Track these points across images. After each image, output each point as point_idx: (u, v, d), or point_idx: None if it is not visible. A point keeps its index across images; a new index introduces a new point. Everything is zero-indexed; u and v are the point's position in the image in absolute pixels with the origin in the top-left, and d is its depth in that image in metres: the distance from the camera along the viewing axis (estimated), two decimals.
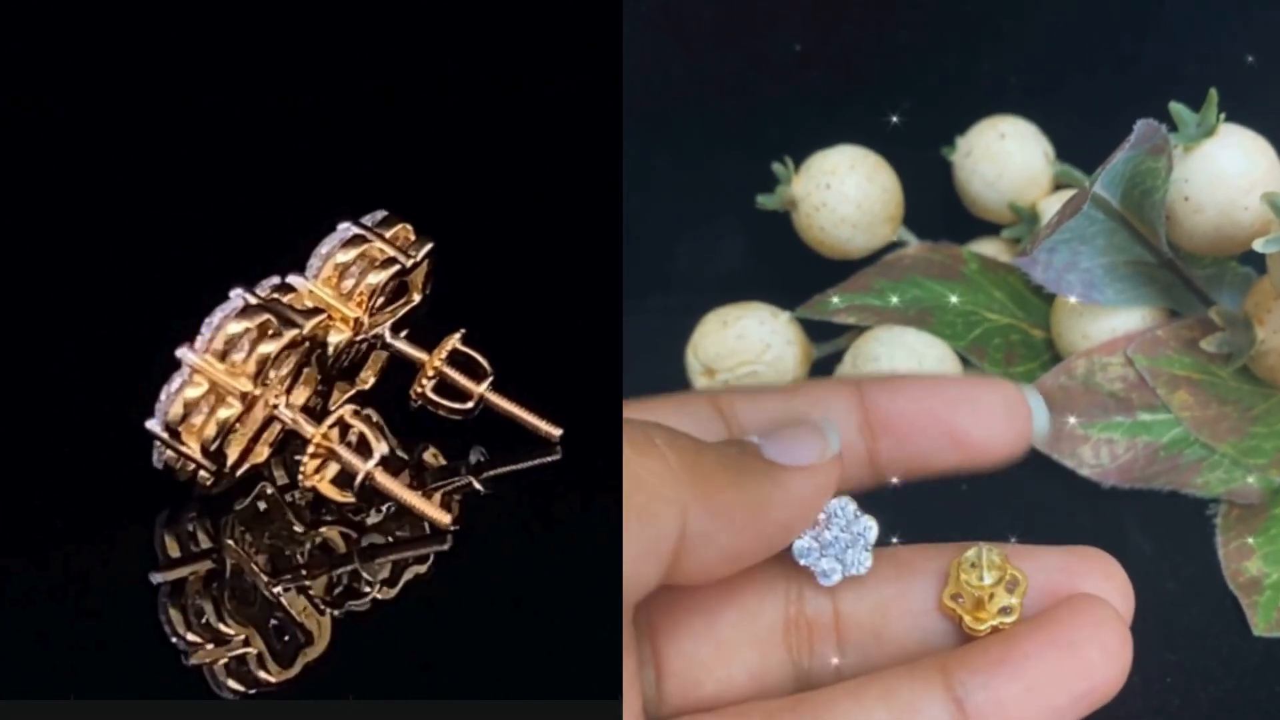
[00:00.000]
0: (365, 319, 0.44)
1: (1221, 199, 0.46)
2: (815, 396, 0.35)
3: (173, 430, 0.41)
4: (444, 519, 0.42)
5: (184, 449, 0.41)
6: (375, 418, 0.45)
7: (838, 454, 0.33)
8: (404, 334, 0.46)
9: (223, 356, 0.41)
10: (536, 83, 0.55)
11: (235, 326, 0.41)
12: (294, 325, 0.41)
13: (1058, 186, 0.53)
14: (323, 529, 0.43)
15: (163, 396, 0.41)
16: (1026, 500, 0.48)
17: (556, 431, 0.44)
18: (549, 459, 0.44)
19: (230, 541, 0.42)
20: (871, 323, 0.50)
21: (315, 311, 0.42)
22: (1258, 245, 0.43)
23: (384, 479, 0.42)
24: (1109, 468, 0.48)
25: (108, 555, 0.42)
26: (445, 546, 0.42)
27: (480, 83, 0.56)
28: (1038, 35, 0.55)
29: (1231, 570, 0.45)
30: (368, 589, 0.41)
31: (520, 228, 0.51)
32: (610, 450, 0.38)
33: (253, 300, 0.42)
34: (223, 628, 0.40)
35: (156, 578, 0.41)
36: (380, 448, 0.42)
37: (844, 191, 0.51)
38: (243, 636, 0.40)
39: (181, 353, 0.41)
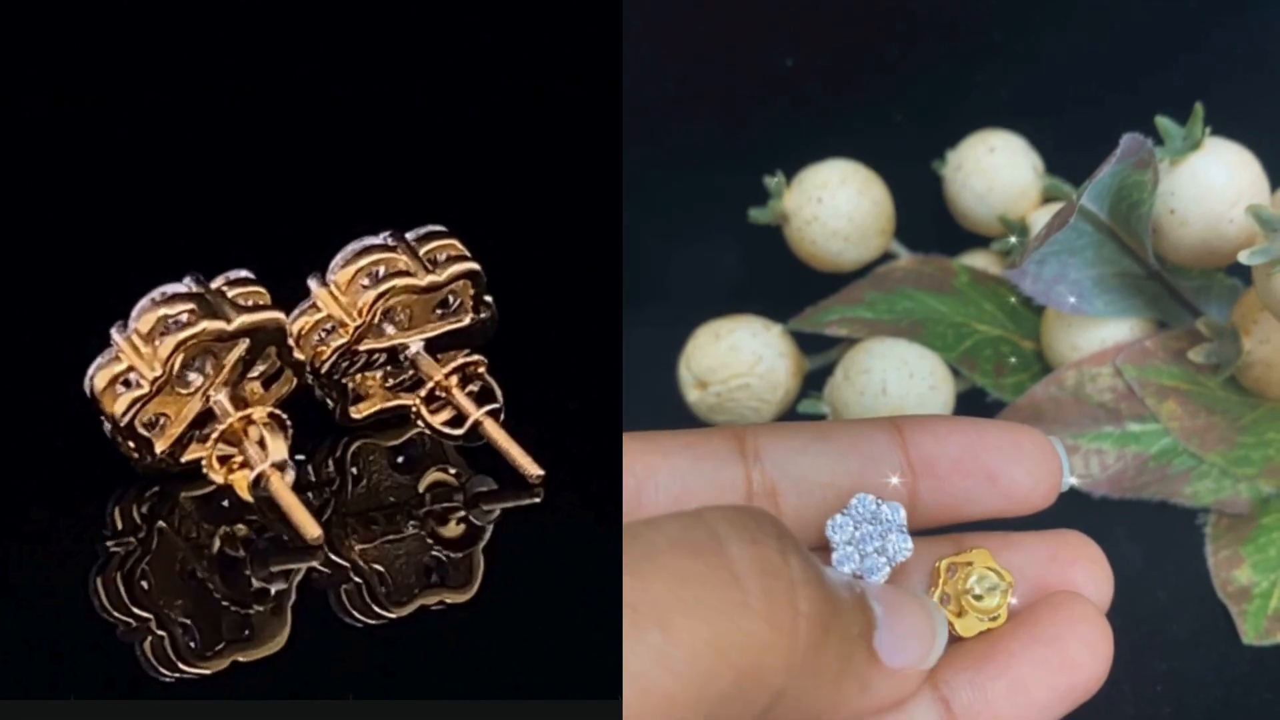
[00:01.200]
0: (364, 326, 0.44)
1: (1207, 212, 0.46)
2: (852, 438, 0.33)
3: (95, 401, 0.42)
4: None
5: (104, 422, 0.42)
6: (288, 422, 0.43)
7: (935, 662, 0.31)
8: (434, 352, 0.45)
9: (148, 339, 0.41)
10: (536, 96, 0.56)
11: (153, 312, 0.41)
12: (219, 318, 0.41)
13: (1047, 200, 0.53)
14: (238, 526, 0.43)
15: (91, 367, 0.42)
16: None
17: (537, 472, 0.43)
18: (530, 500, 0.43)
19: (163, 523, 0.42)
20: (863, 335, 0.50)
21: (260, 309, 0.42)
22: (1243, 257, 0.44)
23: (278, 484, 0.41)
24: (1099, 478, 0.48)
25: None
26: (314, 561, 0.41)
27: (479, 96, 0.56)
28: (1027, 51, 0.56)
29: (1221, 579, 0.46)
30: (266, 587, 0.41)
31: (519, 240, 0.51)
32: (609, 458, 0.39)
33: (187, 289, 0.42)
34: (136, 608, 0.40)
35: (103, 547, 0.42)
36: (276, 451, 0.42)
37: (836, 205, 0.52)
38: (150, 619, 0.40)
39: (113, 330, 0.42)
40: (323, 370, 0.44)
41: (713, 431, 0.33)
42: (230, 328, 0.41)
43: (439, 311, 0.45)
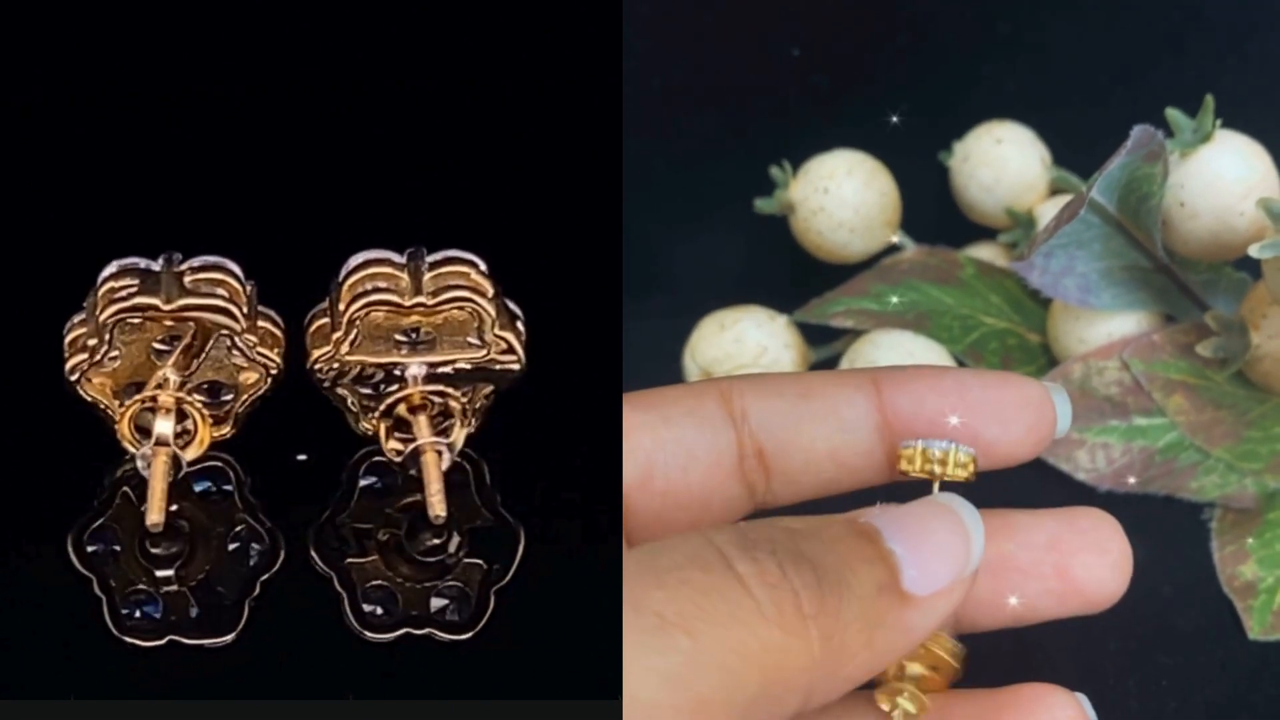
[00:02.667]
0: (343, 337, 0.43)
1: (1217, 204, 0.46)
2: (831, 395, 0.33)
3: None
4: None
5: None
6: (191, 409, 0.43)
7: (976, 570, 0.30)
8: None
9: (98, 307, 0.42)
10: (538, 86, 0.55)
11: (107, 284, 0.42)
12: (155, 296, 0.41)
13: (1054, 192, 0.53)
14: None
15: (67, 323, 0.43)
16: (1022, 504, 0.48)
17: (440, 512, 0.41)
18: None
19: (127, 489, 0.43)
20: (869, 326, 0.50)
21: (206, 296, 0.42)
22: (1253, 250, 0.43)
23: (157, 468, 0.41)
24: (1105, 472, 0.48)
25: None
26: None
27: (479, 86, 0.56)
28: (1035, 41, 0.56)
29: (1227, 574, 0.46)
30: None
31: (518, 230, 0.51)
32: (609, 451, 0.38)
33: (144, 266, 0.42)
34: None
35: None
36: (161, 430, 0.42)
37: (841, 196, 0.51)
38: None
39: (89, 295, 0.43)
40: (316, 374, 0.44)
41: (703, 392, 0.33)
42: (166, 307, 0.41)
43: (452, 340, 0.43)
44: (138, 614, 0.40)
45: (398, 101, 0.55)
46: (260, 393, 0.43)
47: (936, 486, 0.33)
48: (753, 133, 0.55)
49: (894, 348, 0.49)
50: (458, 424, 0.43)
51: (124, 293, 0.42)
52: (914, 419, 0.33)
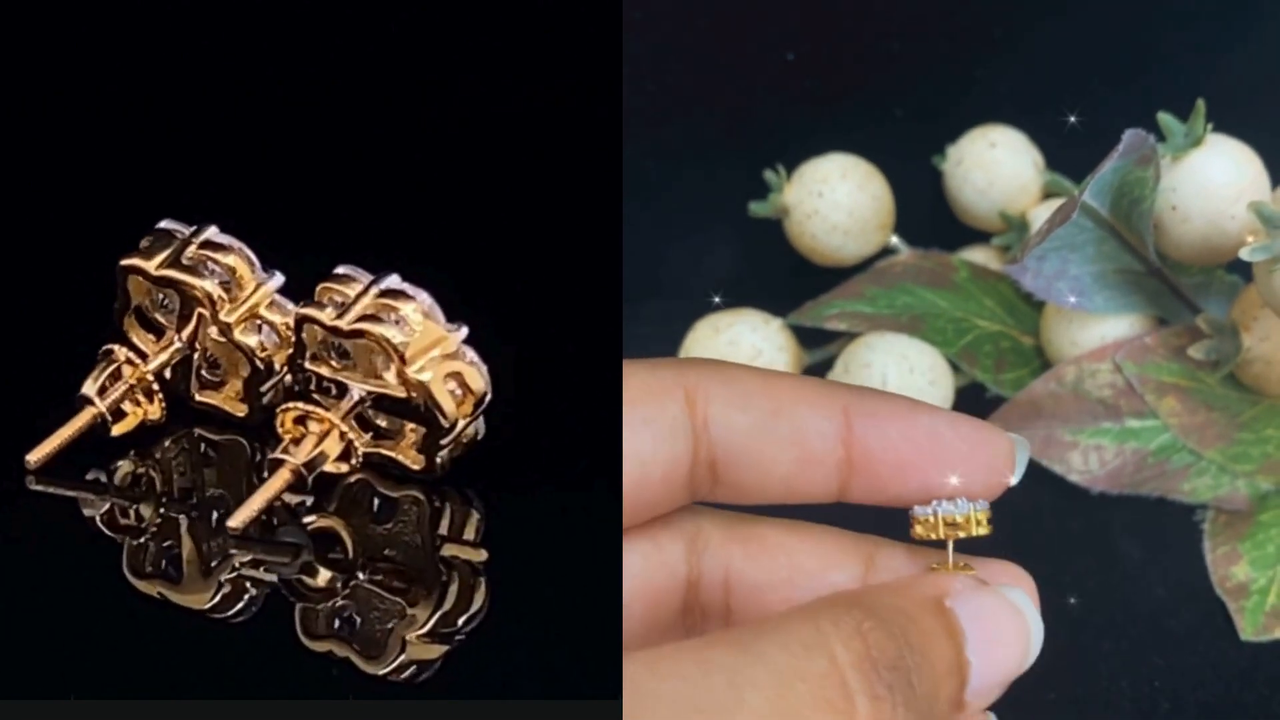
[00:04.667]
0: (286, 343, 0.43)
1: (1208, 208, 0.46)
2: (800, 419, 0.31)
3: None
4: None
5: None
6: (141, 395, 0.43)
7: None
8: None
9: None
10: (535, 89, 0.56)
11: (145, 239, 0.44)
12: (150, 260, 0.43)
13: (1047, 195, 0.53)
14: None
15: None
16: (1015, 507, 0.48)
17: (233, 524, 0.41)
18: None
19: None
20: (863, 329, 0.50)
21: (190, 271, 0.43)
22: (1244, 254, 0.44)
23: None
24: (1098, 474, 0.48)
25: None
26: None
27: (477, 89, 0.56)
28: (1029, 45, 0.56)
29: (1219, 575, 0.46)
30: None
31: (518, 234, 0.51)
32: (608, 454, 0.38)
33: (173, 230, 0.43)
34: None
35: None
36: (87, 390, 0.43)
37: (836, 199, 0.52)
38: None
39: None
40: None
41: (667, 394, 0.31)
42: (152, 270, 0.43)
43: (367, 369, 0.42)
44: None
45: (398, 106, 0.55)
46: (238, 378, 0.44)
47: (951, 545, 0.32)
48: (747, 136, 0.55)
49: (888, 350, 0.49)
50: (310, 443, 0.42)
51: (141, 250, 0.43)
52: (880, 461, 0.31)
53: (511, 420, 0.45)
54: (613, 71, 0.52)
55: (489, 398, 0.42)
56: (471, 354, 0.42)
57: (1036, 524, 0.48)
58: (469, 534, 0.42)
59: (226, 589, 0.41)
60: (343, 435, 0.42)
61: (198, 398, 0.44)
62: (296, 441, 0.42)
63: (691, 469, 0.31)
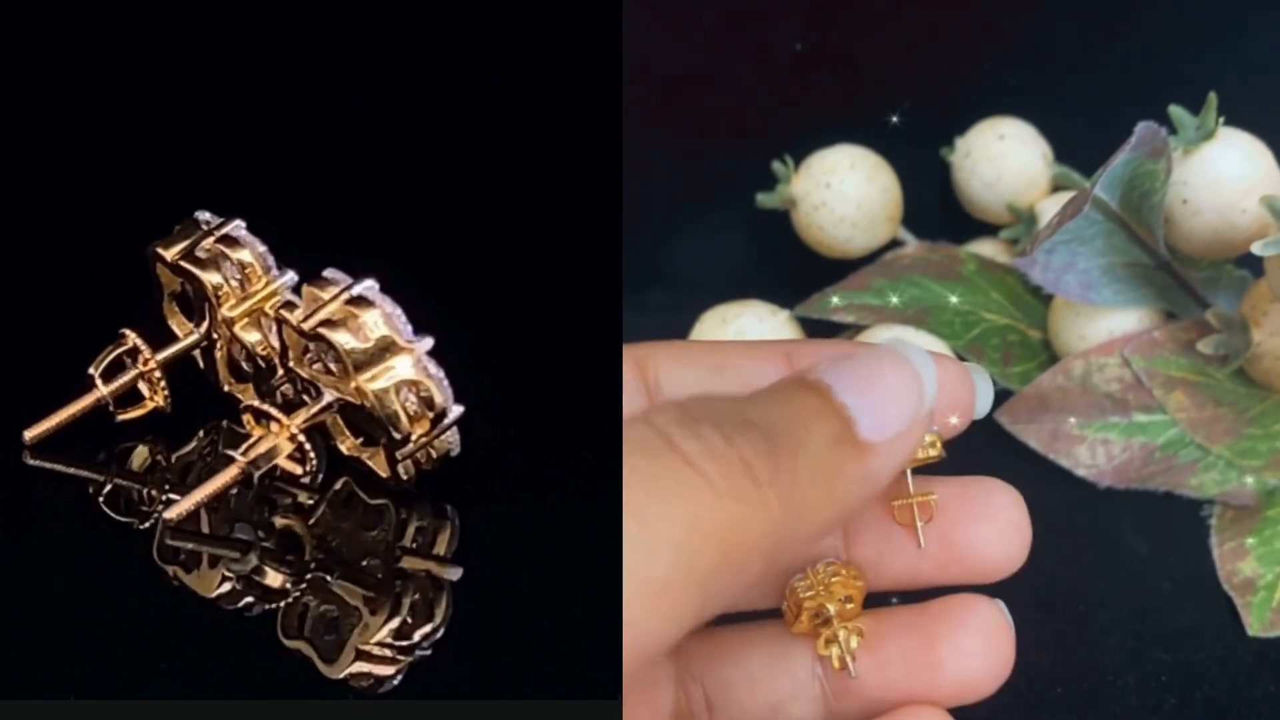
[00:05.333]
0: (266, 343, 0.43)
1: (1220, 202, 0.46)
2: (744, 368, 0.32)
3: None
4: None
5: None
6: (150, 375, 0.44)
7: (931, 408, 0.30)
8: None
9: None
10: (538, 79, 0.55)
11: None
12: (171, 248, 0.43)
13: (1056, 188, 0.53)
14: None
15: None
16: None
17: (170, 515, 0.41)
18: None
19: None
20: (870, 322, 0.50)
21: (198, 263, 0.43)
22: (1255, 248, 0.43)
23: None
24: (1105, 468, 0.48)
25: None
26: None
27: (480, 79, 0.56)
28: (1037, 37, 0.56)
29: (1226, 571, 0.46)
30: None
31: (520, 224, 0.51)
32: (610, 448, 0.38)
33: (203, 221, 0.43)
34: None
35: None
36: (93, 372, 0.43)
37: (843, 191, 0.51)
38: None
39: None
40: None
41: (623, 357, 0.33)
42: (169, 260, 0.43)
43: (326, 373, 0.42)
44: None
45: (401, 99, 0.55)
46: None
47: (909, 474, 0.33)
48: (755, 127, 0.55)
49: (895, 343, 0.49)
50: (261, 444, 0.42)
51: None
52: None
53: (511, 413, 0.45)
54: (613, 60, 0.52)
55: (454, 413, 0.41)
56: (432, 367, 0.41)
57: (1043, 518, 0.47)
58: (439, 549, 0.42)
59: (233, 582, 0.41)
60: (293, 438, 0.42)
61: (225, 389, 0.44)
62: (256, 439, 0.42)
63: None
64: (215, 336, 0.44)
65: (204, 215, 0.44)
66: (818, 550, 0.34)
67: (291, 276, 0.43)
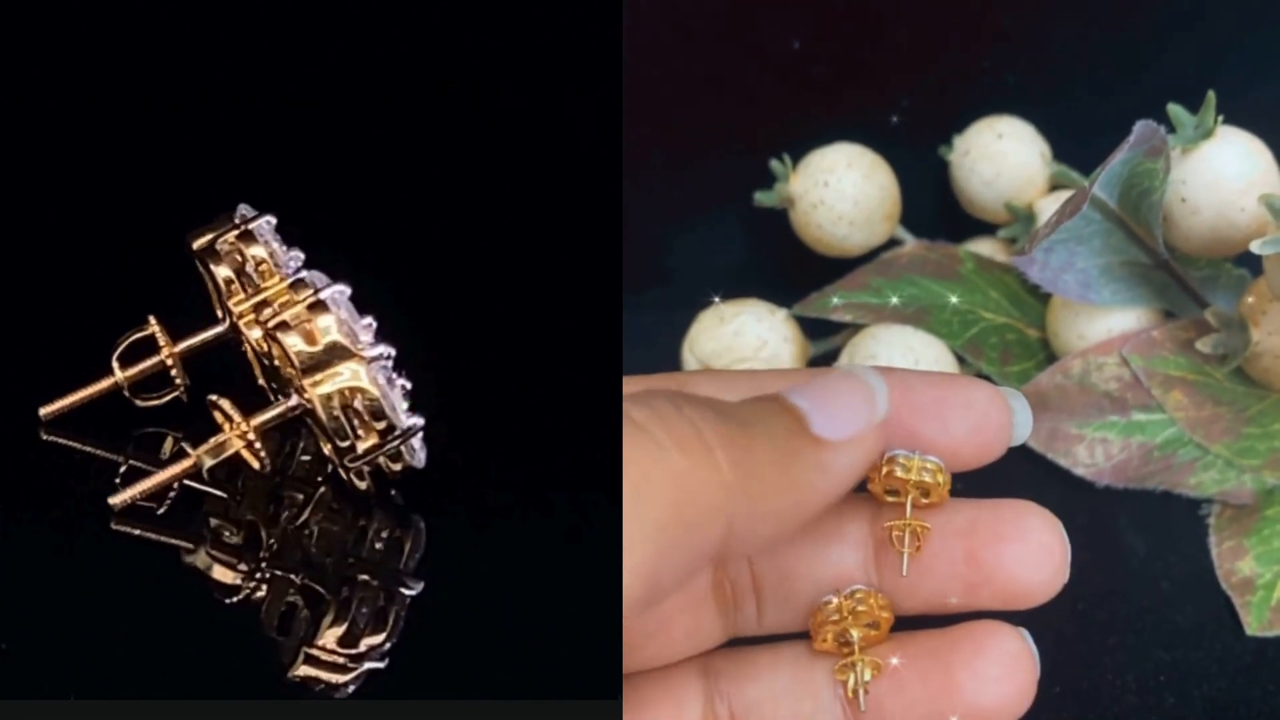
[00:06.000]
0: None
1: (1218, 201, 0.46)
2: (774, 389, 0.33)
3: None
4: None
5: None
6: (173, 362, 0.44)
7: (885, 416, 0.32)
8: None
9: None
10: (537, 78, 0.55)
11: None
12: (199, 237, 0.43)
13: (1054, 187, 0.53)
14: None
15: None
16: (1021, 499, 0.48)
17: (114, 500, 0.42)
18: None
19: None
20: (868, 321, 0.50)
21: (215, 256, 0.43)
22: (1254, 247, 0.43)
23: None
24: (1103, 467, 0.48)
25: None
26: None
27: (479, 77, 0.56)
28: (1036, 35, 0.55)
29: (1225, 570, 0.46)
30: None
31: (519, 223, 0.51)
32: (609, 447, 0.38)
33: (240, 215, 0.44)
34: None
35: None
36: (117, 373, 0.43)
37: (841, 189, 0.51)
38: None
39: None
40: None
41: (667, 379, 0.34)
42: (193, 249, 0.43)
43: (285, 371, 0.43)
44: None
45: (402, 101, 0.55)
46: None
47: (909, 502, 0.34)
48: (752, 126, 0.55)
49: (894, 342, 0.49)
50: (213, 441, 0.42)
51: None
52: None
53: (510, 413, 0.45)
54: (613, 58, 0.52)
55: (405, 426, 0.41)
56: (383, 378, 0.41)
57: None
58: (399, 560, 0.42)
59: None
60: (244, 435, 0.42)
61: (260, 383, 0.44)
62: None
63: None
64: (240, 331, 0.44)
65: (244, 210, 0.44)
66: (847, 574, 0.34)
67: (295, 276, 0.43)
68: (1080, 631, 0.44)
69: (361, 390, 0.41)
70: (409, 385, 0.42)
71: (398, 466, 0.42)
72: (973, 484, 0.48)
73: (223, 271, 0.43)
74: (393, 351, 0.41)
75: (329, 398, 0.41)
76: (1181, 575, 0.46)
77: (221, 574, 0.41)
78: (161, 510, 0.42)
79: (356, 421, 0.41)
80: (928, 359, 0.49)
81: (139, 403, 0.44)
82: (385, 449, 0.41)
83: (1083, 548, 0.46)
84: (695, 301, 0.51)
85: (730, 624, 0.35)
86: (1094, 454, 0.48)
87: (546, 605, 0.40)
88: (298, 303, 0.41)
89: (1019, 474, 0.48)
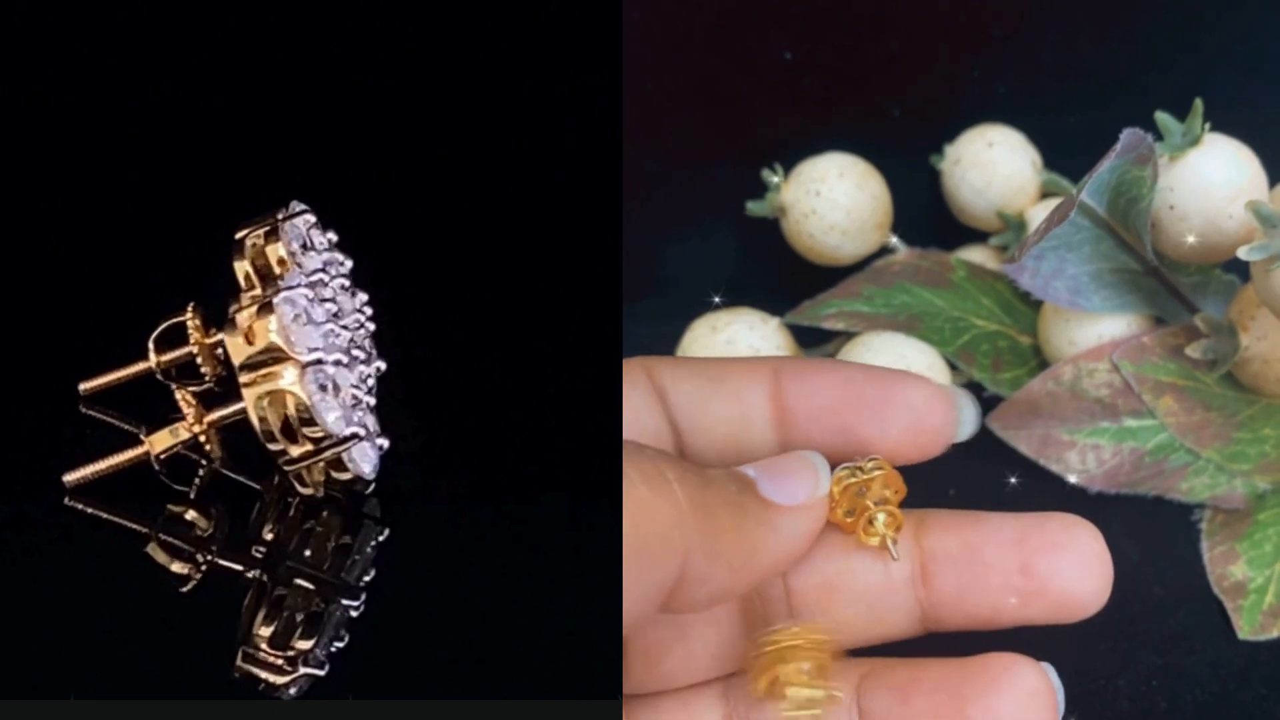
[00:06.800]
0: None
1: (1206, 207, 0.46)
2: (737, 380, 0.35)
3: None
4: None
5: None
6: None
7: (828, 493, 0.33)
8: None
9: None
10: (534, 88, 0.56)
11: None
12: (242, 228, 0.43)
13: (1045, 195, 0.53)
14: None
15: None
16: (1012, 506, 0.48)
17: (67, 477, 0.42)
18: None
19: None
20: (860, 328, 0.50)
21: (242, 250, 0.43)
22: (1242, 253, 0.44)
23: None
24: (1095, 473, 0.48)
25: None
26: None
27: (477, 89, 0.56)
28: (1026, 45, 0.56)
29: (1217, 575, 0.46)
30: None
31: (517, 232, 0.51)
32: (610, 449, 0.38)
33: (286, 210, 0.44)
34: None
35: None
36: (150, 358, 0.44)
37: (833, 198, 0.52)
38: None
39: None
40: None
41: (630, 372, 0.35)
42: (235, 240, 0.43)
43: None
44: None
45: (399, 106, 0.55)
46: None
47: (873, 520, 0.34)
48: (744, 135, 0.55)
49: (886, 350, 0.49)
50: (164, 433, 0.42)
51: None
52: (804, 411, 0.35)
53: (511, 416, 0.45)
54: (613, 71, 0.52)
55: (337, 436, 0.41)
56: (314, 386, 0.41)
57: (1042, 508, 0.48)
58: (341, 567, 0.42)
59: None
60: (190, 429, 0.42)
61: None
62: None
63: (665, 431, 0.35)
64: None
65: (295, 206, 0.44)
66: (891, 588, 0.35)
67: (298, 275, 0.43)
68: (1072, 636, 0.44)
69: (290, 394, 0.40)
70: (369, 400, 0.42)
71: (346, 476, 0.42)
72: (962, 489, 0.48)
73: (243, 267, 0.43)
74: (328, 359, 0.41)
75: (259, 399, 0.40)
76: (1173, 580, 0.46)
77: (169, 562, 0.42)
78: (193, 494, 0.43)
79: (293, 427, 0.41)
80: (919, 366, 0.49)
81: (175, 390, 0.44)
82: (318, 457, 0.41)
83: None
84: (688, 311, 0.51)
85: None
86: (1086, 460, 0.48)
87: (546, 605, 0.40)
88: (251, 303, 0.41)
89: (1010, 480, 0.48)
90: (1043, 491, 0.48)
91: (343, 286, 0.44)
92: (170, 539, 0.42)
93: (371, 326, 0.44)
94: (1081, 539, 0.34)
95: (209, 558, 0.42)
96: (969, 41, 0.56)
